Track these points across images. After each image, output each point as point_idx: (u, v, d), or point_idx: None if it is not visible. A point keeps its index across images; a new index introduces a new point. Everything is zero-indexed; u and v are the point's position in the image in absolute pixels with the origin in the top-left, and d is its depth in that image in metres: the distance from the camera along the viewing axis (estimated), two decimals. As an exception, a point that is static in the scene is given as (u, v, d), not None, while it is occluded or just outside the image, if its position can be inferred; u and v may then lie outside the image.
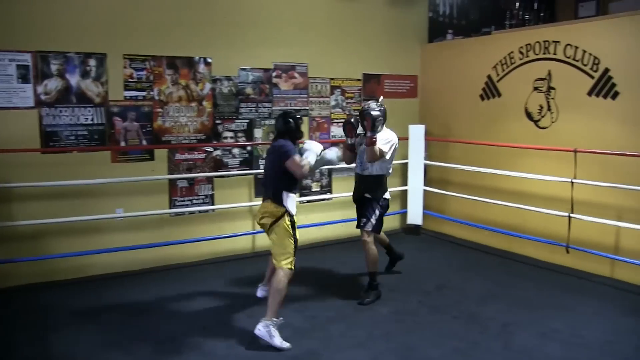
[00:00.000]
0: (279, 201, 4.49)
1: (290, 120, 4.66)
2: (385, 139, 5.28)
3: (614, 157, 5.66)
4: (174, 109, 6.34)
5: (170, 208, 6.39)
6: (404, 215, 7.97)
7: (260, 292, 5.15)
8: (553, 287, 5.67)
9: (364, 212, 5.31)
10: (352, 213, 7.44)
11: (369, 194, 5.31)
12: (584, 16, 7.63)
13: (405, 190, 7.78)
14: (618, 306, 5.15)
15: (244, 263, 6.43)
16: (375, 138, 5.06)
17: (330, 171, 7.48)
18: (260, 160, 6.89)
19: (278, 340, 4.29)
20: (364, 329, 4.60)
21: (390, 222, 7.97)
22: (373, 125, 5.01)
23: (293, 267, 4.49)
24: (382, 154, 5.19)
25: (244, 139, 6.79)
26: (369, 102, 5.29)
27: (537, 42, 6.51)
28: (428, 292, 5.52)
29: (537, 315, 4.90)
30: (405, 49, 8.10)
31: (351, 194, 5.57)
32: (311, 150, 4.65)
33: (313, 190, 7.38)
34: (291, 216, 4.51)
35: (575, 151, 5.82)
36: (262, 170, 5.22)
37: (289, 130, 4.65)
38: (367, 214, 5.27)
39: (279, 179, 4.53)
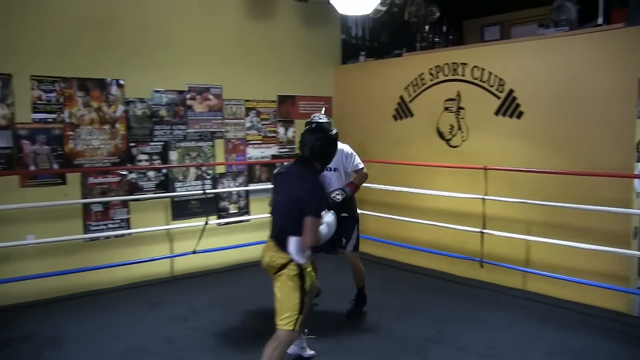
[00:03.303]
0: (282, 246, 3.72)
1: (331, 139, 3.91)
2: (351, 154, 5.20)
3: (521, 174, 5.94)
4: (86, 132, 6.16)
5: (84, 233, 6.18)
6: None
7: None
8: (469, 301, 5.85)
9: (343, 232, 5.14)
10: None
11: (347, 212, 5.18)
12: (489, 40, 7.99)
13: (323, 210, 7.83)
14: (529, 316, 5.37)
15: (161, 287, 6.28)
16: (352, 184, 5.10)
17: (247, 193, 7.47)
18: (176, 183, 6.80)
19: None
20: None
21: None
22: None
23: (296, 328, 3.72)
24: (364, 173, 5.22)
25: (159, 161, 6.67)
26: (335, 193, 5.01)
27: (446, 64, 6.77)
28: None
29: (455, 330, 5.04)
30: (319, 71, 8.23)
31: (266, 215, 5.53)
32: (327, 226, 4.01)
33: (231, 212, 7.32)
34: (299, 265, 3.73)
35: (485, 168, 6.06)
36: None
37: (326, 153, 3.90)
38: (348, 233, 5.19)
39: (292, 221, 3.68)
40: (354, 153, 5.22)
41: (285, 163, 4.22)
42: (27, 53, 5.77)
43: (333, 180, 5.11)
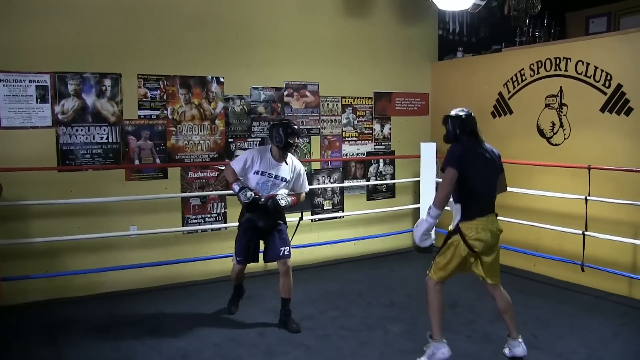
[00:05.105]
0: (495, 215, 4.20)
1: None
2: (304, 175, 5.31)
3: (629, 174, 5.63)
4: (187, 128, 6.39)
5: (183, 226, 6.42)
6: (416, 233, 7.94)
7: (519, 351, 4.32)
8: (569, 306, 5.61)
9: (283, 240, 5.08)
10: (363, 231, 7.45)
11: (281, 219, 5.17)
12: (595, 32, 7.63)
13: (418, 208, 7.75)
14: (638, 327, 5.06)
15: (255, 281, 6.40)
16: (295, 198, 5.15)
17: (342, 189, 7.50)
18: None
19: None
20: (376, 348, 4.58)
21: (402, 240, 7.93)
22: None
23: None
24: (305, 196, 5.37)
25: (256, 157, 6.82)
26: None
27: (548, 58, 6.52)
28: (441, 310, 5.48)
29: (552, 335, 4.86)
30: (416, 67, 8.13)
31: (360, 212, 5.44)
32: None
33: (325, 208, 7.38)
34: None
35: (589, 168, 5.79)
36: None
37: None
38: (287, 241, 5.11)
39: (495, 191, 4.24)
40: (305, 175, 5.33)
41: (457, 146, 4.19)
42: (135, 53, 6.08)
43: (281, 189, 5.09)
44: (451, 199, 4.19)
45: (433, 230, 4.26)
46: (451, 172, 4.02)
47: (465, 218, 4.09)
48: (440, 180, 4.21)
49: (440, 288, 4.19)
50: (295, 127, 4.99)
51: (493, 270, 4.21)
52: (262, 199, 4.96)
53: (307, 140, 7.20)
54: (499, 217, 4.29)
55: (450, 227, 4.20)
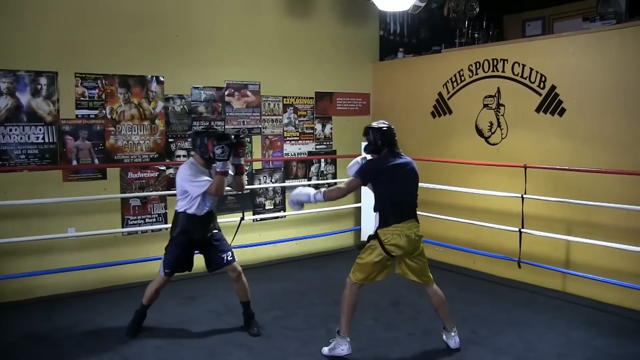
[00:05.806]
0: (417, 221, 4.40)
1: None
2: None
3: (562, 172, 5.83)
4: (127, 128, 6.26)
5: (122, 227, 6.30)
6: (357, 232, 8.02)
7: (451, 343, 4.58)
8: (507, 302, 5.76)
9: (224, 247, 4.87)
10: (305, 231, 7.47)
11: (218, 228, 4.95)
12: (531, 35, 7.85)
13: (359, 208, 7.83)
14: (570, 319, 5.25)
15: (196, 283, 6.33)
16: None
17: (283, 189, 7.50)
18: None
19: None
20: (319, 348, 4.58)
21: (345, 240, 8.00)
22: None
23: None
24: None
25: (198, 157, 6.74)
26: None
27: (486, 60, 6.67)
28: (383, 309, 5.54)
29: (491, 331, 4.98)
30: (357, 67, 8.20)
31: (302, 212, 5.35)
32: None
33: (266, 208, 7.36)
34: None
35: (525, 167, 5.95)
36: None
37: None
38: (226, 246, 4.90)
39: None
40: None
41: (370, 156, 4.44)
42: (72, 51, 5.91)
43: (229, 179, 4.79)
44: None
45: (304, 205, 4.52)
46: (355, 182, 4.38)
47: (382, 225, 4.29)
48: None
49: (356, 290, 4.39)
50: (227, 143, 4.56)
51: (420, 271, 4.44)
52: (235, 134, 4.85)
53: (249, 140, 7.16)
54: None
55: (371, 232, 4.42)
